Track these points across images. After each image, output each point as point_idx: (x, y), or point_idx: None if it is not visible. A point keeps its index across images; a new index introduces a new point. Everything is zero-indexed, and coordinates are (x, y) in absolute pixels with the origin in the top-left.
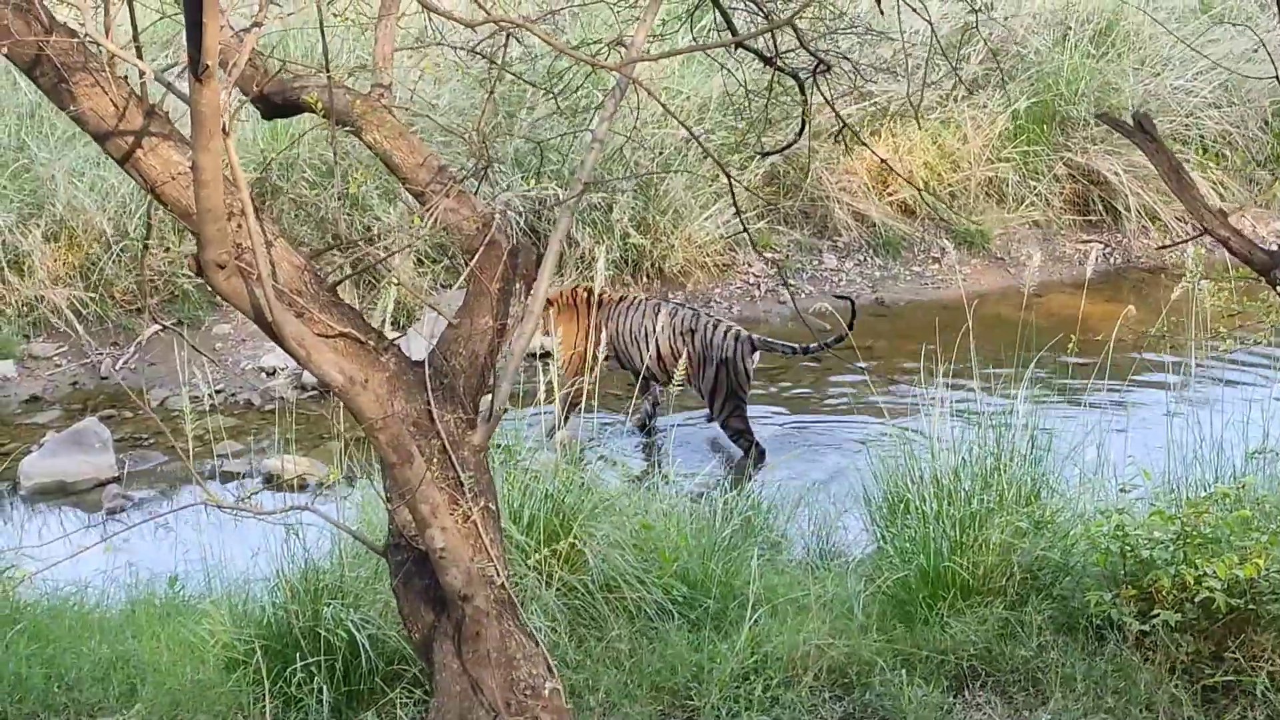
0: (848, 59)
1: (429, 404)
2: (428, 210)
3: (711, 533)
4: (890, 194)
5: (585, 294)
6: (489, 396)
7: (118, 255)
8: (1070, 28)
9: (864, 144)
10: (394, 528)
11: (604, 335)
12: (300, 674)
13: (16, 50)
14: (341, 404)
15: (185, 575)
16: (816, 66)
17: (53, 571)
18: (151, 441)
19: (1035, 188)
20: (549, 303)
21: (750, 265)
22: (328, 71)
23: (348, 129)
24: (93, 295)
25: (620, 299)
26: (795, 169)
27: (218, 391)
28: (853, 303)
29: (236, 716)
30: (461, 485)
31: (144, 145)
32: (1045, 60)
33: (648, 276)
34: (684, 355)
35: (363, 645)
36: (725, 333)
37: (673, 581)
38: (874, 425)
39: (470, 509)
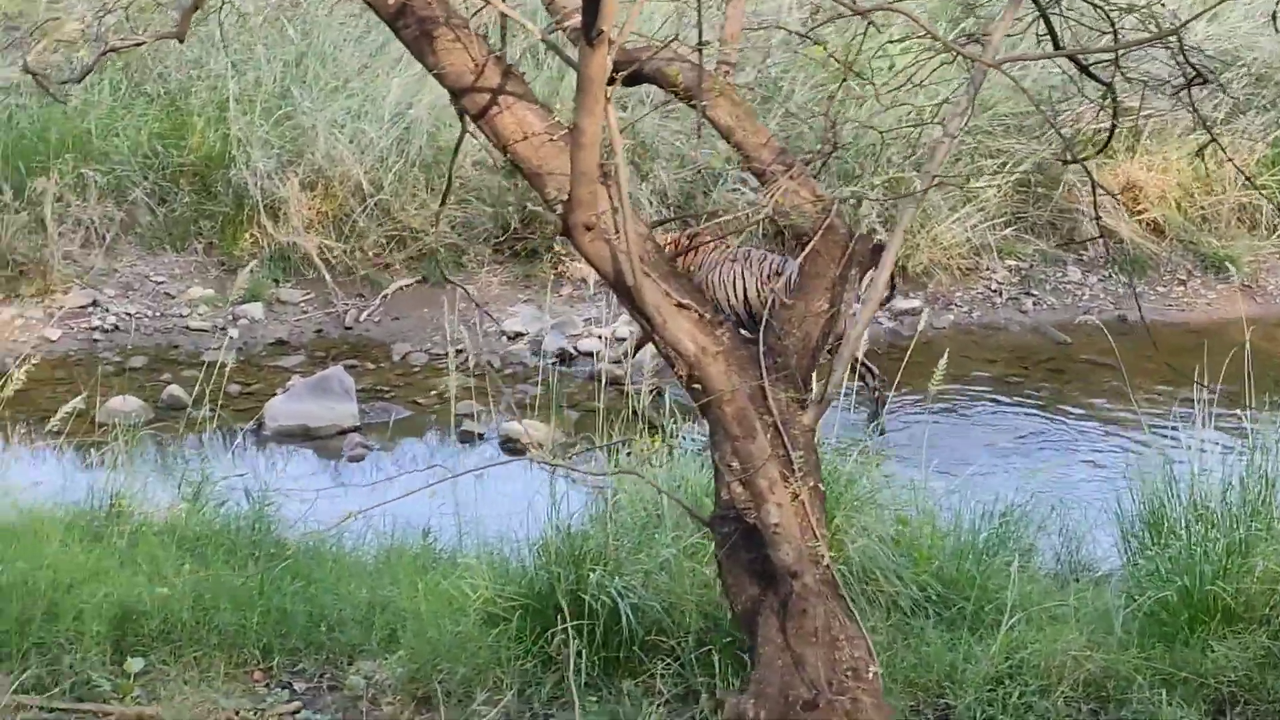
0: (1200, 72)
1: (760, 381)
2: (770, 190)
3: (966, 534)
4: (1140, 211)
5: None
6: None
7: (371, 209)
8: None
9: (1230, 160)
10: (723, 500)
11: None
12: (559, 636)
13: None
14: (678, 378)
15: (438, 529)
16: (1192, 79)
17: (313, 512)
18: (393, 394)
19: None
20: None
21: (993, 272)
22: (699, 48)
23: (694, 105)
24: (343, 246)
25: (713, 247)
26: (1047, 178)
27: (458, 352)
28: None
29: (495, 671)
30: (791, 463)
31: (499, 104)
32: None
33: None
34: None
35: (625, 613)
36: None
37: (929, 579)
38: (1128, 440)
39: (799, 488)
